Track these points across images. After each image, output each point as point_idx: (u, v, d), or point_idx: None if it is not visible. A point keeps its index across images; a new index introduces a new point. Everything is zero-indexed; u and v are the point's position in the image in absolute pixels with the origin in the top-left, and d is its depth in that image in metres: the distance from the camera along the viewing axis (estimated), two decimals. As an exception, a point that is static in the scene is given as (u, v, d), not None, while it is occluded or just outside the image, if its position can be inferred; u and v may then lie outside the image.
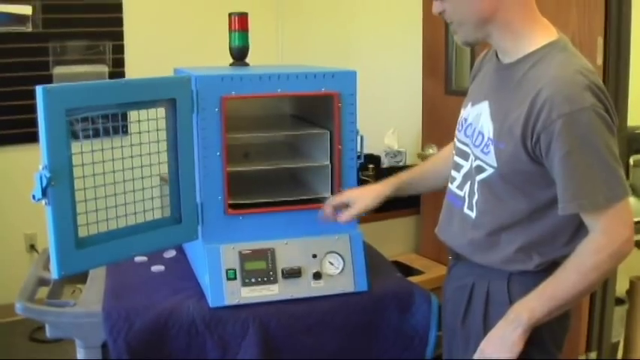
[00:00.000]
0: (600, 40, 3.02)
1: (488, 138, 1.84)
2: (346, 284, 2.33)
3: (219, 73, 2.24)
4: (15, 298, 2.23)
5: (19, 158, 3.87)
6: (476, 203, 1.92)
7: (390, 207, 3.98)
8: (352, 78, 2.33)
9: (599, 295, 3.15)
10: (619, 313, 3.36)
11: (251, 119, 2.70)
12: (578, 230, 1.79)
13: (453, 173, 2.04)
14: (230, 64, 2.65)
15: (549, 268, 1.80)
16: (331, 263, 2.33)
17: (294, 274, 2.29)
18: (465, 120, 1.99)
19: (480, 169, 1.89)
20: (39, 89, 1.83)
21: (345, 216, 2.23)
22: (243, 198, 2.35)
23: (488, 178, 1.86)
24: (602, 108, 1.67)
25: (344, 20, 4.61)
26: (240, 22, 2.60)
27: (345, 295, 2.33)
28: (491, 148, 1.83)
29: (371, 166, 4.03)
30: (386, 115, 4.23)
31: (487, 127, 1.86)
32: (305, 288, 2.30)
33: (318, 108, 2.46)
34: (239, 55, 2.64)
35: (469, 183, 1.94)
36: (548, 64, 1.74)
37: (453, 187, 2.04)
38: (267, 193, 2.41)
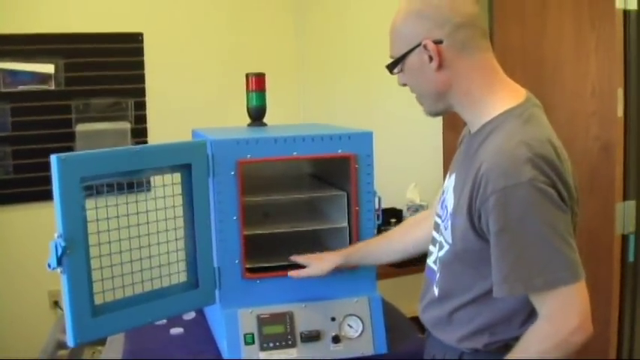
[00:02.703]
0: (620, 91, 3.01)
1: (449, 213, 1.77)
2: (366, 347, 2.30)
3: (234, 137, 2.23)
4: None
5: (43, 215, 3.88)
6: (437, 281, 1.86)
7: (414, 261, 3.97)
8: (368, 139, 2.31)
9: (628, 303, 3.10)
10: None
11: (270, 179, 2.68)
12: (534, 311, 1.64)
13: (430, 247, 1.96)
14: (248, 124, 2.65)
15: (501, 348, 1.72)
16: (350, 326, 2.29)
17: (313, 337, 2.26)
18: (443, 192, 1.90)
19: (440, 246, 1.84)
20: (53, 158, 1.83)
21: (294, 273, 2.26)
22: (261, 260, 2.33)
23: (445, 255, 1.80)
24: (546, 182, 1.54)
25: (365, 76, 4.62)
26: (257, 83, 2.62)
27: (365, 358, 2.29)
28: (449, 223, 1.76)
29: (393, 220, 3.99)
30: (407, 169, 4.22)
31: (450, 201, 1.78)
32: (324, 352, 2.27)
33: (336, 168, 2.44)
34: (256, 115, 2.65)
35: (437, 259, 1.88)
36: (497, 135, 1.65)
37: (429, 261, 1.96)
38: (285, 255, 2.39)
